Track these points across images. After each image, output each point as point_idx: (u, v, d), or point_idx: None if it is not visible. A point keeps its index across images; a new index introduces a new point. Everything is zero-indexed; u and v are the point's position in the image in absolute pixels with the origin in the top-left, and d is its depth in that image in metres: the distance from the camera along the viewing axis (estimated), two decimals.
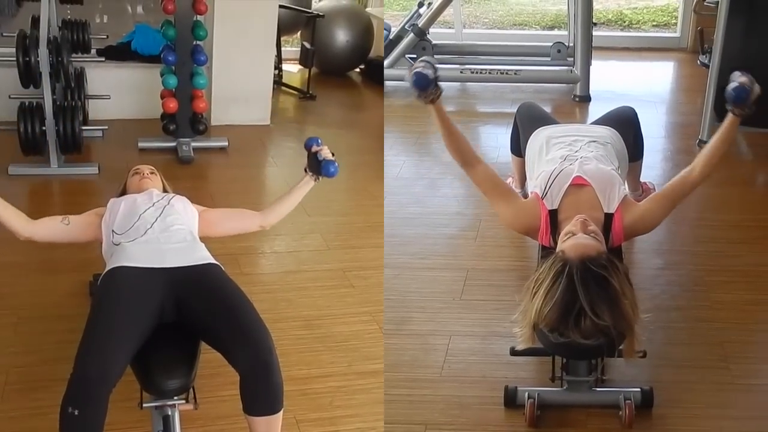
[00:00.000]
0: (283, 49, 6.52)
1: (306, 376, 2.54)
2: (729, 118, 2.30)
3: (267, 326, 1.99)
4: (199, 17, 4.57)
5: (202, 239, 2.37)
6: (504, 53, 5.49)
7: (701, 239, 3.17)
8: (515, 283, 2.72)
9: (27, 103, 4.03)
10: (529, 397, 2.18)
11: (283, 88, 6.31)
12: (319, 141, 2.43)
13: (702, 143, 4.13)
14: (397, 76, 5.05)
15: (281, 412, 1.94)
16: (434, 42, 5.34)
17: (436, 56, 5.35)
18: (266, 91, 5.39)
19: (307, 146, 2.44)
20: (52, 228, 2.38)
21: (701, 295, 2.78)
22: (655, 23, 7.01)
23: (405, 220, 3.32)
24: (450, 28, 6.29)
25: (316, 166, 2.41)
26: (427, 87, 2.27)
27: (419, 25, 5.13)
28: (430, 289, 2.82)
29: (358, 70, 7.03)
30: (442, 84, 2.30)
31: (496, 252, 3.06)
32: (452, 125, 2.38)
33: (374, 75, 6.68)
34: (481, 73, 5.05)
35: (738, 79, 2.26)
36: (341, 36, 6.56)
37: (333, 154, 2.41)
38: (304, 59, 6.35)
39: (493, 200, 2.39)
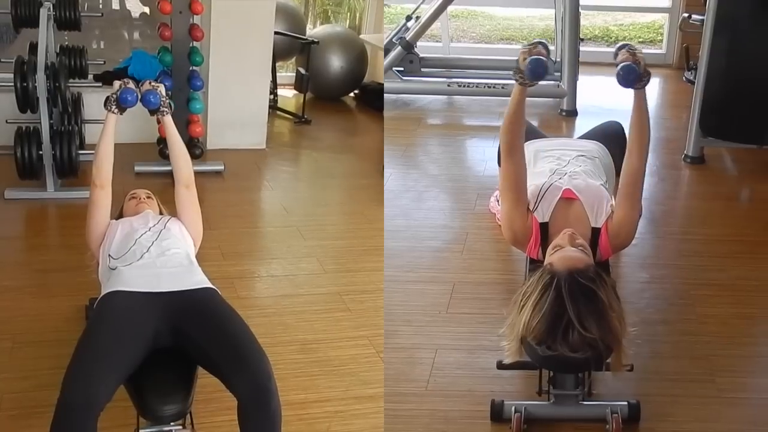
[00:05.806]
0: (278, 74, 6.55)
1: (303, 400, 2.50)
2: (634, 93, 2.22)
3: (264, 351, 1.97)
4: (195, 43, 4.59)
5: (200, 258, 2.35)
6: (491, 67, 5.51)
7: (686, 253, 3.18)
8: (502, 296, 2.72)
9: (24, 128, 4.03)
10: (515, 411, 2.18)
11: (279, 112, 6.34)
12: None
13: (687, 158, 4.16)
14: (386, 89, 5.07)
15: None
16: (422, 55, 5.36)
17: (423, 69, 5.39)
18: (262, 115, 5.40)
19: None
20: (105, 197, 2.45)
21: (687, 309, 2.78)
22: (641, 40, 7.07)
23: (391, 233, 3.31)
24: (437, 41, 6.33)
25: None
26: (543, 76, 2.22)
27: (407, 39, 5.14)
28: (416, 302, 2.81)
29: (352, 95, 7.09)
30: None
31: (482, 265, 3.06)
32: (524, 111, 2.35)
33: (368, 100, 6.73)
34: (468, 86, 5.07)
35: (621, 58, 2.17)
36: (335, 62, 6.63)
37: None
38: (299, 84, 6.40)
39: (505, 196, 2.37)
